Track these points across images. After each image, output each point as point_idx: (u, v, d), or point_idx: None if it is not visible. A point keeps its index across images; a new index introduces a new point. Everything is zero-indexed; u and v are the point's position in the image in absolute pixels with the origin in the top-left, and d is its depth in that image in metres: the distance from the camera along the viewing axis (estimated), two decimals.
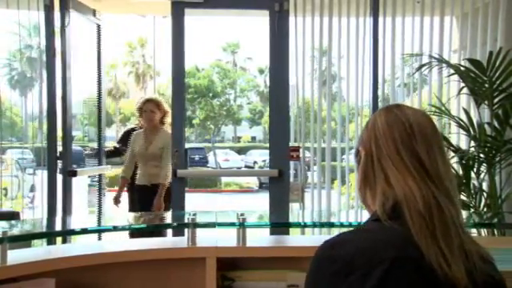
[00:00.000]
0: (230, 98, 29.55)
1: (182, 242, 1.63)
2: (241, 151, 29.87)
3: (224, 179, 18.52)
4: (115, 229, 1.63)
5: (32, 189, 5.35)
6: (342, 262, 0.94)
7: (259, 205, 4.28)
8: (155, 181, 4.52)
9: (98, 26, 4.75)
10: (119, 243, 1.63)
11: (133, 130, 5.03)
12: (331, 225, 1.76)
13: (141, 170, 4.64)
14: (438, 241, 0.94)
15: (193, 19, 4.51)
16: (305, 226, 1.90)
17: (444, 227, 0.96)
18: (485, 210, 3.47)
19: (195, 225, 1.60)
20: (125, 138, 5.08)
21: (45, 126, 4.07)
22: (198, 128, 30.95)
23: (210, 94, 28.11)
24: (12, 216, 3.96)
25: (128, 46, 33.41)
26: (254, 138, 35.32)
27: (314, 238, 1.91)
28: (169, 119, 4.52)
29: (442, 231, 0.96)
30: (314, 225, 1.85)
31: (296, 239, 1.94)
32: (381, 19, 4.25)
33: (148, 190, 4.53)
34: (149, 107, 4.60)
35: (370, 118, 1.14)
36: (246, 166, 25.64)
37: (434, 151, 1.04)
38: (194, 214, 1.62)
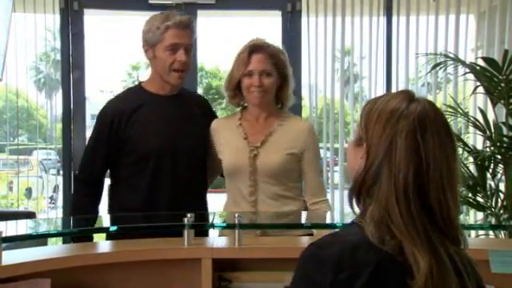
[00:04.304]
0: None
1: (178, 242, 1.63)
2: None
3: None
4: (111, 230, 1.64)
5: (55, 189, 5.46)
6: (329, 262, 0.95)
7: None
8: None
9: None
10: (114, 243, 1.64)
11: None
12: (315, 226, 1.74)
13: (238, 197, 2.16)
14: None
15: (216, 21, 4.48)
16: (302, 227, 1.89)
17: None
18: (501, 211, 3.39)
19: (191, 226, 1.60)
20: None
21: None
22: None
23: None
24: (28, 216, 4.06)
25: None
26: None
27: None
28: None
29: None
30: (313, 226, 1.84)
31: (300, 240, 1.92)
32: (394, 18, 4.21)
33: None
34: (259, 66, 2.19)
35: (388, 117, 1.01)
36: None
37: (445, 193, 0.98)
38: (191, 215, 1.63)
